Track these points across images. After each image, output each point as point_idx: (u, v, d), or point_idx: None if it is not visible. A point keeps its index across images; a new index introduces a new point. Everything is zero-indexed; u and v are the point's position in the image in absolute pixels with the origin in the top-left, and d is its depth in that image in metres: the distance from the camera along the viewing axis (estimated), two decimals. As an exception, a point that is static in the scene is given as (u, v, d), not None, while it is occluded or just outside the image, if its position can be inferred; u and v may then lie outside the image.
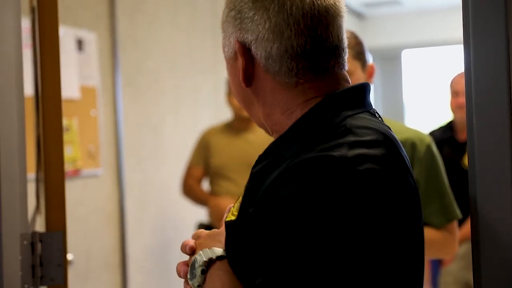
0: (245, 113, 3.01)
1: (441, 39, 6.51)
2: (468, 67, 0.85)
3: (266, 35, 1.00)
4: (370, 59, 1.85)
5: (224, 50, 1.09)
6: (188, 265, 1.04)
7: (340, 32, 1.04)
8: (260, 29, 1.01)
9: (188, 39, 3.83)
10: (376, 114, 1.05)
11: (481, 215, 0.84)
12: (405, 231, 0.91)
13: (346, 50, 1.06)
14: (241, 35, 1.03)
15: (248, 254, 0.92)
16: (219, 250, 1.00)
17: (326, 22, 1.01)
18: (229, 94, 3.27)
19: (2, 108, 1.15)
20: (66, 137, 2.91)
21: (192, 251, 1.05)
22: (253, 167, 1.03)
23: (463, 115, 3.31)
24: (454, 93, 3.39)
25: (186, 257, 1.06)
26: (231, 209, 1.06)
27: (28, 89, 1.59)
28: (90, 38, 3.14)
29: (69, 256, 1.61)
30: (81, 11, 3.11)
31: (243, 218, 0.96)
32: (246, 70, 1.03)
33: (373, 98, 6.97)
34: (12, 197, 1.16)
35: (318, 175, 0.87)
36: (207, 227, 3.26)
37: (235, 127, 3.27)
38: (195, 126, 3.83)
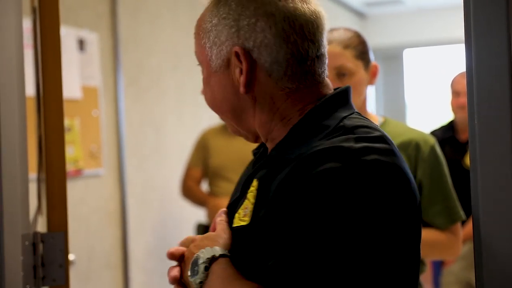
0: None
1: (443, 38, 6.50)
2: (470, 66, 0.85)
3: (272, 41, 1.02)
4: (373, 58, 1.84)
5: (207, 61, 1.09)
6: (179, 269, 1.06)
7: (325, 40, 1.09)
8: (265, 35, 1.02)
9: (189, 38, 3.82)
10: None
11: (483, 215, 0.84)
12: (409, 220, 0.95)
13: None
14: (239, 42, 1.04)
15: (266, 252, 0.95)
16: (220, 249, 1.02)
17: (321, 28, 1.06)
18: None
19: (3, 109, 1.15)
20: (67, 137, 2.91)
21: (181, 257, 1.08)
22: (250, 174, 1.07)
23: (464, 115, 3.30)
24: (455, 93, 3.38)
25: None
26: (236, 215, 1.07)
27: (30, 89, 1.59)
28: (92, 38, 3.14)
29: (71, 256, 1.61)
30: (82, 11, 3.11)
31: (256, 221, 0.99)
32: (249, 76, 1.04)
33: (375, 97, 6.96)
34: (13, 198, 1.16)
35: (332, 164, 0.91)
36: (206, 227, 3.27)
37: None
38: (197, 125, 3.83)
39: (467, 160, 3.20)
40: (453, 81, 3.43)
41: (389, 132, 1.33)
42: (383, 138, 0.97)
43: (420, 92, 7.34)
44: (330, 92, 1.08)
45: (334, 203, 0.89)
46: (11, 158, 1.16)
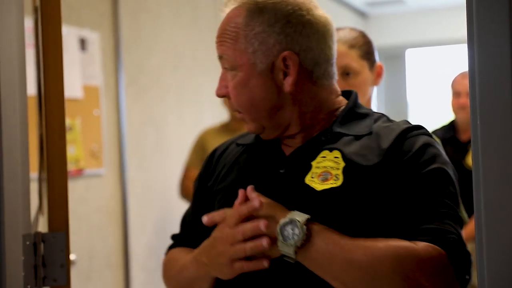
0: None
1: (446, 38, 6.49)
2: (472, 67, 0.85)
3: (315, 45, 1.20)
4: (378, 59, 1.84)
5: (249, 65, 1.19)
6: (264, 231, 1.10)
7: None
8: (310, 40, 1.19)
9: (190, 37, 3.83)
10: None
11: (485, 216, 0.84)
12: None
13: None
14: (288, 46, 1.18)
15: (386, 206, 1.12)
16: (303, 214, 1.09)
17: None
18: None
19: (5, 108, 1.15)
20: (69, 136, 2.91)
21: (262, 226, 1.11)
22: (298, 149, 1.23)
23: (464, 115, 3.30)
24: (456, 94, 3.38)
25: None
26: (309, 181, 1.17)
27: (31, 88, 1.58)
28: (93, 37, 3.14)
29: (72, 256, 1.60)
30: (84, 10, 3.11)
31: (352, 182, 1.13)
32: (296, 76, 1.19)
33: (377, 97, 6.96)
34: (14, 197, 1.16)
35: (425, 137, 1.21)
36: None
37: (232, 127, 3.27)
38: (198, 125, 3.83)
39: (468, 160, 3.20)
40: (453, 82, 3.42)
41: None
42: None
43: (422, 92, 7.33)
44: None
45: (447, 167, 1.17)
46: (12, 157, 1.16)
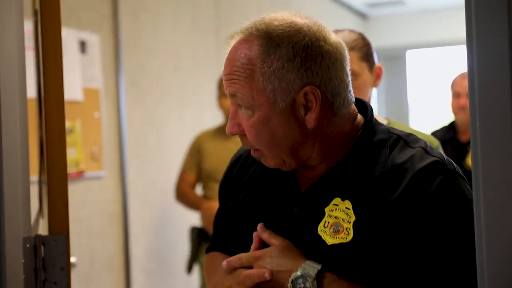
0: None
1: (446, 39, 6.49)
2: (471, 67, 0.85)
3: (334, 75, 1.13)
4: (377, 61, 1.84)
5: (269, 103, 1.12)
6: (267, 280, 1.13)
7: None
8: (330, 71, 1.13)
9: (191, 39, 3.83)
10: None
11: (486, 215, 0.84)
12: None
13: None
14: (309, 80, 1.11)
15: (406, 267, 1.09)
16: (315, 263, 1.11)
17: None
18: (220, 97, 3.29)
19: (5, 110, 1.15)
20: (69, 139, 2.91)
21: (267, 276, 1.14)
22: (313, 187, 1.19)
23: (464, 116, 3.30)
24: (455, 95, 3.38)
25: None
26: (321, 233, 1.15)
27: (31, 91, 1.58)
28: (93, 39, 3.14)
29: (72, 259, 1.60)
30: (83, 12, 3.11)
31: (363, 237, 1.10)
32: (319, 110, 1.13)
33: (378, 98, 6.95)
34: (14, 200, 1.16)
35: (441, 177, 1.12)
36: (200, 230, 3.28)
37: None
38: (198, 126, 3.83)
39: (468, 161, 3.20)
40: (453, 83, 3.42)
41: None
42: (426, 143, 1.19)
43: (422, 93, 7.33)
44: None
45: (461, 217, 1.09)
46: (12, 160, 1.16)
